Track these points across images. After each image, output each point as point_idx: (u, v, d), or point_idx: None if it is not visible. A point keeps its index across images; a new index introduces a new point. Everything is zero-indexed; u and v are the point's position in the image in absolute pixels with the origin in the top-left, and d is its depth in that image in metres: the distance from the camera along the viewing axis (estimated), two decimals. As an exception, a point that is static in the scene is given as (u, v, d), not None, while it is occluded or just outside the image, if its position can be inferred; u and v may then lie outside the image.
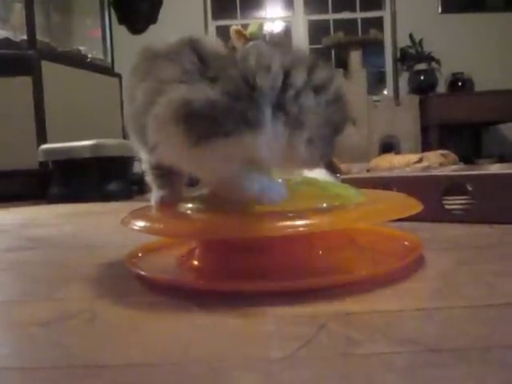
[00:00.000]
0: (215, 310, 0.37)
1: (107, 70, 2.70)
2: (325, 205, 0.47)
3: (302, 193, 0.49)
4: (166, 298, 0.41)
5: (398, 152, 3.79)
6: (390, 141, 4.02)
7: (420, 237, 0.55)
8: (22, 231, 1.02)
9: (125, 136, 2.98)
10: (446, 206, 0.79)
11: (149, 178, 0.53)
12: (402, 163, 2.79)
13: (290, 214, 0.42)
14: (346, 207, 0.47)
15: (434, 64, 4.28)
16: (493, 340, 0.29)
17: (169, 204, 0.51)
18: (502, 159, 3.87)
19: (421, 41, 4.26)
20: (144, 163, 0.53)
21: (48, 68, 2.21)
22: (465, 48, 4.27)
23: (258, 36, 0.91)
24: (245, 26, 4.13)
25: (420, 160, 2.69)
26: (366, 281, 0.42)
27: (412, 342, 0.29)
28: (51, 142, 2.09)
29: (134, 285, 0.46)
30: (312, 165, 0.45)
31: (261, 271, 0.44)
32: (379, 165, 2.95)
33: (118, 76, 2.75)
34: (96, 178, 1.87)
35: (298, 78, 0.40)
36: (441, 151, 2.77)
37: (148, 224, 0.47)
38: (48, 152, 1.91)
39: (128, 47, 3.71)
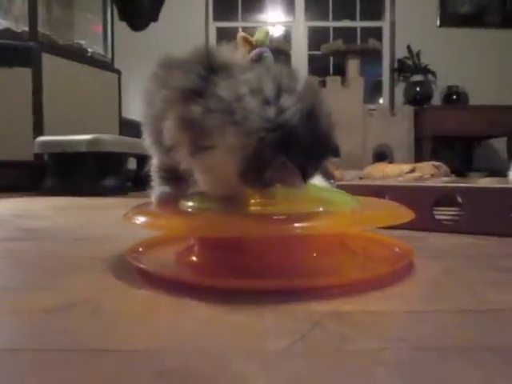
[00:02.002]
0: (215, 305, 0.39)
1: (107, 66, 2.71)
2: (321, 209, 0.49)
3: (300, 197, 0.51)
4: (167, 292, 0.42)
5: (391, 161, 3.83)
6: (383, 150, 4.07)
7: (411, 245, 0.58)
8: (16, 222, 1.03)
9: (121, 132, 2.98)
10: (437, 217, 0.82)
11: (154, 176, 0.55)
12: (395, 172, 2.82)
13: (282, 217, 0.44)
14: (342, 212, 0.49)
15: (430, 76, 4.34)
16: (474, 342, 0.31)
17: (169, 201, 0.53)
18: (492, 173, 3.93)
19: (418, 53, 4.31)
20: (153, 162, 0.55)
21: (48, 60, 2.22)
22: (461, 62, 4.33)
23: (264, 43, 0.93)
24: (246, 30, 4.15)
25: (412, 170, 2.73)
26: (358, 284, 0.44)
27: (400, 339, 0.31)
28: (48, 135, 2.09)
29: (135, 278, 0.47)
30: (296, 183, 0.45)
31: (257, 270, 0.46)
32: (372, 173, 2.98)
33: (118, 72, 2.76)
34: (91, 172, 1.88)
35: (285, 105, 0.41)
36: (433, 162, 2.81)
37: (149, 220, 0.49)
38: (44, 144, 1.91)
39: (128, 44, 3.72)
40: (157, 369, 0.27)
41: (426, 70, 4.30)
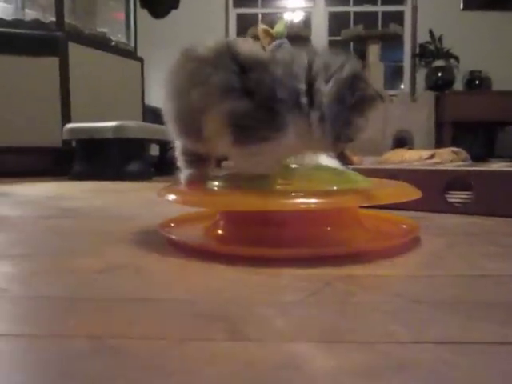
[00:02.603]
0: (239, 269, 0.45)
1: (130, 54, 2.77)
2: (335, 188, 0.54)
3: (317, 177, 0.56)
4: (197, 259, 0.48)
5: (410, 147, 3.82)
6: (403, 135, 4.05)
7: (419, 223, 0.62)
8: (52, 203, 1.11)
9: (144, 118, 3.06)
10: (449, 199, 0.86)
11: (180, 161, 0.60)
12: (414, 158, 2.83)
13: (300, 194, 0.49)
14: (353, 190, 0.54)
15: (452, 61, 4.28)
16: (462, 298, 0.36)
17: (197, 182, 0.59)
18: (514, 160, 3.87)
19: (440, 37, 4.25)
20: (178, 149, 0.60)
21: (74, 49, 2.30)
22: (484, 46, 4.25)
23: (283, 35, 0.98)
24: (266, 16, 4.12)
25: (431, 156, 2.73)
26: (368, 253, 0.50)
27: (397, 295, 0.37)
28: (75, 121, 2.18)
29: (168, 248, 0.54)
30: (332, 146, 0.51)
31: (276, 241, 0.52)
32: (391, 159, 2.98)
33: (140, 60, 2.83)
34: (117, 157, 1.96)
35: (319, 77, 0.47)
36: (453, 148, 2.81)
37: (183, 197, 0.55)
38: (72, 131, 2.00)
39: (150, 32, 3.78)
40: (193, 312, 0.33)
41: (448, 55, 4.24)
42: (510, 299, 0.36)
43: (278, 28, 0.96)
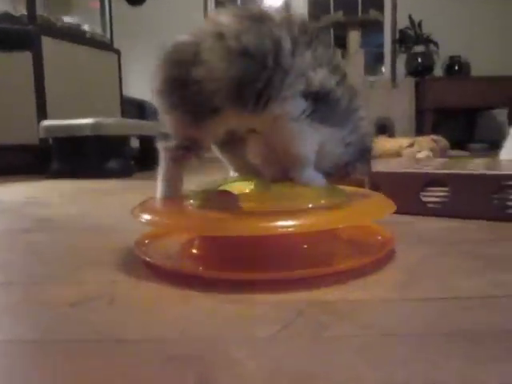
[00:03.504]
0: (214, 296, 0.45)
1: (106, 46, 2.71)
2: (310, 205, 0.54)
3: (290, 192, 0.57)
4: (172, 284, 0.48)
5: (391, 134, 3.85)
6: (384, 123, 4.07)
7: (395, 230, 0.63)
8: (27, 210, 1.09)
9: (123, 111, 3.01)
10: (425, 199, 0.86)
11: (165, 158, 0.57)
12: (395, 147, 2.85)
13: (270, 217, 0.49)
14: (328, 209, 0.54)
15: (432, 46, 4.30)
16: (431, 329, 0.37)
17: (171, 198, 0.58)
18: (493, 144, 3.94)
19: (420, 22, 4.26)
20: (163, 143, 0.57)
21: (48, 43, 2.23)
22: (464, 31, 4.28)
23: None
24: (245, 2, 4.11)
25: (412, 145, 2.75)
26: (342, 272, 0.50)
27: (369, 327, 0.37)
28: (51, 117, 2.14)
29: (145, 271, 0.53)
30: None
31: (252, 261, 0.52)
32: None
33: (117, 52, 2.77)
34: (96, 155, 1.93)
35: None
36: (432, 136, 2.84)
37: (153, 218, 0.54)
38: (49, 129, 1.96)
39: (127, 22, 3.69)
40: (166, 355, 0.33)
41: (427, 41, 4.26)
42: (476, 327, 0.37)
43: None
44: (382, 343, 0.34)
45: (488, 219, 0.78)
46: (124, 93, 3.03)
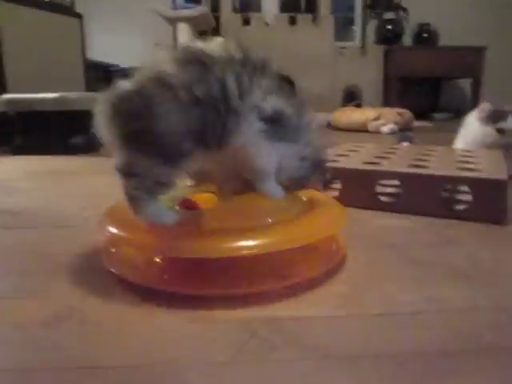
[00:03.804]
0: (177, 313, 0.49)
1: (67, 10, 2.59)
2: (269, 220, 0.58)
3: (251, 208, 0.60)
4: (138, 296, 0.52)
5: (359, 103, 3.90)
6: (352, 90, 4.10)
7: (349, 230, 0.66)
8: (-6, 198, 1.09)
9: (87, 76, 2.92)
10: (378, 192, 0.92)
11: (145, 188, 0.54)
12: (361, 119, 2.91)
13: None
14: (286, 227, 0.58)
15: (401, 13, 4.29)
16: (368, 350, 0.42)
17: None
18: (457, 113, 4.06)
19: (391, -12, 4.22)
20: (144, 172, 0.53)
21: (4, 9, 2.12)
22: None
23: None
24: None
25: (377, 118, 2.82)
26: (294, 286, 0.55)
27: (313, 348, 0.42)
28: (11, 89, 2.06)
29: (110, 281, 0.57)
30: None
31: (212, 274, 0.56)
32: (340, 119, 3.05)
33: (79, 16, 2.65)
34: (60, 130, 1.89)
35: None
36: (397, 109, 2.91)
37: (119, 233, 0.57)
38: (10, 103, 1.89)
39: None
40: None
41: (397, 7, 4.25)
42: (403, 348, 0.42)
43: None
44: (322, 367, 0.40)
45: (437, 216, 0.85)
46: (88, 56, 2.93)
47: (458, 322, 0.47)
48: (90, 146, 1.94)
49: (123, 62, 4.17)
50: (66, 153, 1.85)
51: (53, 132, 1.90)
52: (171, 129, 0.50)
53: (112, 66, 4.14)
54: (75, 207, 0.99)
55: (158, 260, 0.62)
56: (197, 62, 0.51)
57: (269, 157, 0.59)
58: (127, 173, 0.53)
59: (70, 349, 0.43)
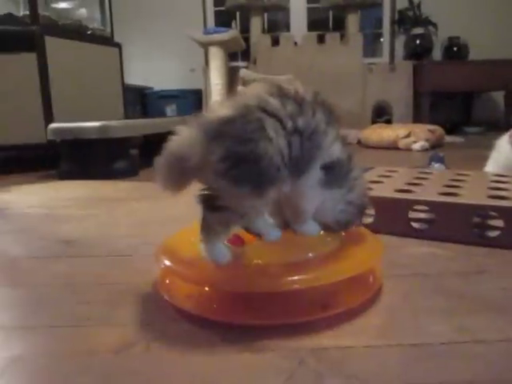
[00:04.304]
0: (228, 344, 0.55)
1: (108, 41, 2.74)
2: (310, 255, 0.64)
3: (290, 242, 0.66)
4: (196, 324, 0.59)
5: (389, 119, 3.91)
6: (382, 105, 4.11)
7: (384, 258, 0.70)
8: (45, 227, 1.18)
9: (125, 99, 3.06)
10: (413, 224, 0.96)
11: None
12: (392, 137, 2.92)
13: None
14: (327, 259, 0.63)
15: (431, 28, 4.29)
16: (404, 379, 0.47)
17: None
18: (489, 127, 4.01)
19: (419, 3, 4.24)
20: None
21: (51, 43, 2.28)
22: (463, 13, 4.27)
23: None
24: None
25: (408, 135, 2.83)
26: (334, 317, 0.60)
27: (354, 377, 0.47)
28: (58, 116, 2.20)
29: (169, 310, 0.63)
30: None
31: (260, 304, 0.62)
32: (370, 137, 3.08)
33: (118, 46, 2.81)
34: (103, 156, 2.01)
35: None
36: (428, 126, 2.91)
37: (172, 266, 0.64)
38: (56, 131, 2.03)
39: (122, 9, 3.67)
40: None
41: (426, 22, 4.25)
42: (442, 378, 0.47)
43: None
44: (364, 395, 0.44)
45: (469, 243, 0.88)
46: (126, 81, 3.09)
47: (490, 354, 0.51)
48: (130, 171, 2.05)
49: (157, 84, 4.35)
50: (109, 177, 1.96)
51: (96, 158, 2.02)
52: (276, 153, 0.53)
53: (147, 88, 4.33)
54: (124, 235, 1.07)
55: (207, 289, 0.68)
56: (292, 98, 0.57)
57: (315, 201, 0.64)
58: (213, 206, 0.56)
59: (139, 374, 0.50)
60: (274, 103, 0.55)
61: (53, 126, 2.05)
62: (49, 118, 2.24)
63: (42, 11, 2.33)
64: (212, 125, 0.53)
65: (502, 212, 0.86)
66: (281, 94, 0.57)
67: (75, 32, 2.51)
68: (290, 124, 0.55)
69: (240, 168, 0.52)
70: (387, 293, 0.68)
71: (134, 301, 0.69)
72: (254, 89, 0.60)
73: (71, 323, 0.63)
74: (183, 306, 0.64)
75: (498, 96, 4.22)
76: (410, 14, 4.29)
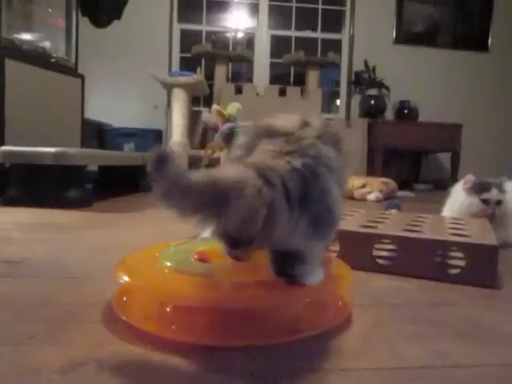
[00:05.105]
0: (193, 364, 0.50)
1: (71, 71, 2.70)
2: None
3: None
4: (153, 345, 0.53)
5: (345, 171, 4.03)
6: (338, 159, 4.25)
7: (352, 289, 0.69)
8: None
9: (83, 134, 2.99)
10: (375, 254, 0.95)
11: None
12: (348, 187, 3.00)
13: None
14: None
15: (384, 90, 4.58)
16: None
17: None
18: (437, 184, 4.24)
19: (374, 67, 4.54)
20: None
21: (11, 66, 2.21)
22: (413, 79, 4.61)
23: (235, 118, 1.03)
24: (210, 33, 4.11)
25: (363, 186, 2.92)
26: (307, 339, 0.56)
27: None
28: (9, 138, 2.10)
29: (124, 330, 0.57)
30: None
31: (224, 326, 0.58)
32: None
33: (81, 77, 2.77)
34: (56, 184, 1.91)
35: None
36: (382, 179, 3.02)
37: (132, 281, 0.59)
38: (7, 155, 1.92)
39: (90, 42, 3.68)
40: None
41: (380, 85, 4.54)
42: (421, 401, 0.44)
43: (231, 110, 1.02)
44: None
45: (432, 279, 0.88)
46: (85, 115, 3.02)
47: (469, 378, 0.49)
48: (84, 201, 1.96)
49: (116, 121, 4.30)
50: (60, 206, 1.86)
51: (48, 185, 1.92)
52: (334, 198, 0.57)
53: (106, 125, 4.26)
54: (77, 258, 0.99)
55: (168, 310, 0.63)
56: (334, 144, 0.63)
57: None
58: (240, 242, 0.56)
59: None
60: (332, 157, 0.59)
61: (4, 148, 1.94)
62: (0, 142, 2.13)
63: (6, 35, 2.27)
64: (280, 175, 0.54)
65: (465, 248, 0.87)
66: (329, 140, 0.62)
67: (38, 58, 2.45)
68: (337, 177, 0.60)
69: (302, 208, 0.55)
70: (357, 320, 0.65)
71: (85, 321, 0.62)
72: (310, 134, 0.61)
73: (13, 341, 0.55)
74: (139, 325, 0.58)
75: (445, 156, 4.49)
76: (366, 76, 4.57)
